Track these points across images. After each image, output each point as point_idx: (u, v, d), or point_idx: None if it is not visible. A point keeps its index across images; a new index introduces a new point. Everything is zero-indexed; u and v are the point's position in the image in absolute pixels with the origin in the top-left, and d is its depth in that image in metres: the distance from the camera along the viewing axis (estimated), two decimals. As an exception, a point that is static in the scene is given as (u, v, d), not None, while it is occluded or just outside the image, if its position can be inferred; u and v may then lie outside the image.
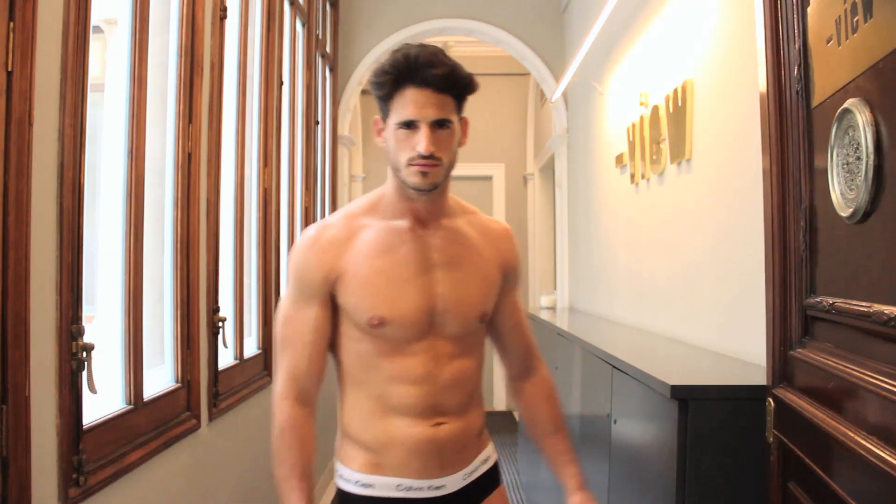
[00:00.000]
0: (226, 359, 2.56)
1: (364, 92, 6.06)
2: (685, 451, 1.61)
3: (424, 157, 1.31)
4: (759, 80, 1.43)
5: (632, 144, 3.28)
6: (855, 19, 1.04)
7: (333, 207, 4.86)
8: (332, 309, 1.41)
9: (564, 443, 1.57)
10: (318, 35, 4.25)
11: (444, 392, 1.41)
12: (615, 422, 2.17)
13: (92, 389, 1.52)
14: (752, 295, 1.96)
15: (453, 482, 1.45)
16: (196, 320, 2.19)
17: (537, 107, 6.58)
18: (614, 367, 2.17)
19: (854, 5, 1.03)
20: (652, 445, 1.82)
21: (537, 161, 6.52)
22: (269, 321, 3.09)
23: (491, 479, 1.52)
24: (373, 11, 4.93)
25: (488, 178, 6.88)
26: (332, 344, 1.44)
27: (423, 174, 1.33)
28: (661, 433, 1.73)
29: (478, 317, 1.45)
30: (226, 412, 2.42)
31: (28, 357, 1.29)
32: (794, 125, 1.30)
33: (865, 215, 1.02)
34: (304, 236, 1.43)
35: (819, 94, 1.19)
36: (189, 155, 2.16)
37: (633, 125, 3.24)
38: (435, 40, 6.16)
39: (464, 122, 1.40)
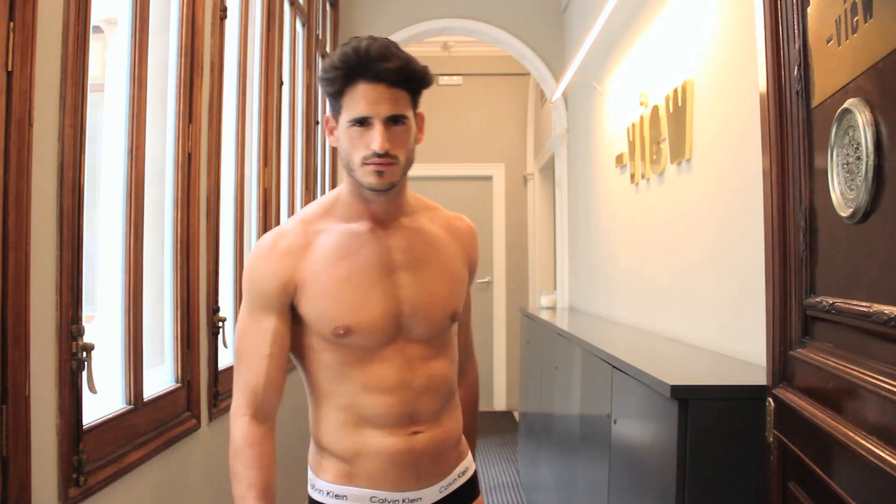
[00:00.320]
0: (226, 359, 2.56)
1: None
2: (685, 451, 1.61)
3: (380, 156, 1.25)
4: (759, 80, 1.43)
5: (632, 144, 3.28)
6: (855, 19, 1.04)
7: (333, 207, 4.86)
8: (292, 319, 1.34)
9: (471, 448, 1.58)
10: (318, 35, 4.25)
11: (419, 398, 1.35)
12: (615, 422, 2.17)
13: (92, 389, 1.52)
14: (752, 295, 1.96)
15: (429, 495, 1.39)
16: (196, 320, 2.19)
17: (537, 107, 6.58)
18: (614, 367, 2.17)
19: (854, 5, 1.03)
20: (652, 445, 1.82)
21: (537, 161, 6.52)
22: (269, 321, 3.09)
23: (469, 492, 1.46)
24: (373, 11, 4.93)
25: (488, 178, 6.88)
26: (297, 355, 1.38)
27: (379, 173, 1.26)
28: (661, 433, 1.73)
29: (448, 316, 1.40)
30: (226, 412, 2.42)
31: (28, 357, 1.29)
32: (794, 125, 1.30)
33: (865, 215, 1.02)
34: (258, 245, 1.36)
35: (819, 94, 1.19)
36: (189, 155, 2.16)
37: (633, 125, 3.24)
38: (435, 40, 6.16)
39: (419, 118, 1.34)
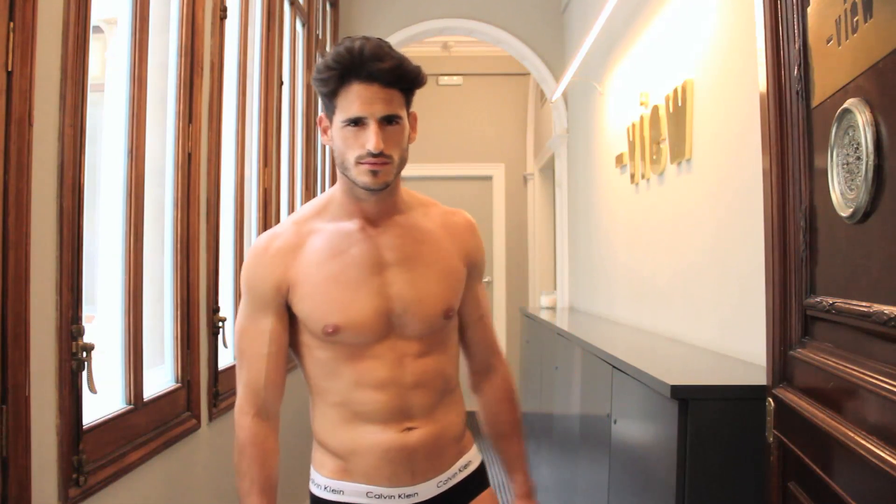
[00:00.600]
0: (226, 359, 2.56)
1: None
2: (685, 451, 1.61)
3: (374, 156, 1.25)
4: (759, 80, 1.43)
5: (632, 144, 3.28)
6: (855, 19, 1.04)
7: (333, 207, 4.86)
8: (289, 318, 1.37)
9: (518, 446, 1.54)
10: (318, 35, 4.25)
11: (411, 394, 1.36)
12: (615, 422, 2.17)
13: (92, 389, 1.52)
14: (752, 295, 1.96)
15: (426, 490, 1.39)
16: (196, 320, 2.19)
17: (537, 107, 6.58)
18: (614, 367, 2.17)
19: (854, 5, 1.03)
20: (652, 445, 1.82)
21: (537, 161, 6.52)
22: (269, 321, 3.09)
23: (473, 484, 1.46)
24: (373, 11, 4.93)
25: (488, 178, 6.88)
26: (296, 353, 1.41)
27: (374, 173, 1.27)
28: (661, 433, 1.73)
29: (441, 313, 1.38)
30: (226, 412, 2.42)
31: (28, 357, 1.29)
32: (794, 125, 1.30)
33: (865, 215, 1.02)
34: (253, 247, 1.39)
35: (819, 94, 1.19)
36: (189, 155, 2.16)
37: (633, 125, 3.24)
38: (435, 40, 6.16)
39: (412, 118, 1.35)
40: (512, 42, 4.95)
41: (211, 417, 2.28)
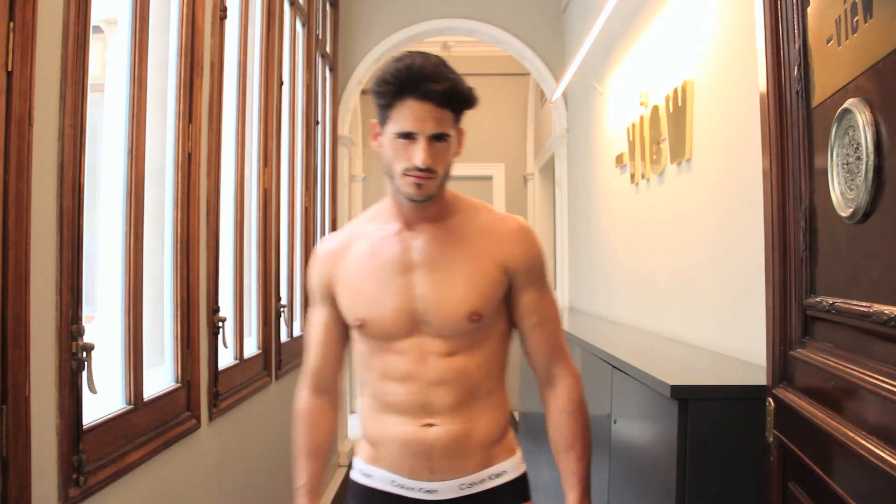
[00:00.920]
0: (226, 359, 2.56)
1: (364, 92, 6.06)
2: (685, 451, 1.61)
3: (420, 170, 1.33)
4: (759, 80, 1.43)
5: (632, 144, 3.28)
6: (855, 19, 1.04)
7: (333, 207, 4.86)
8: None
9: (574, 464, 1.43)
10: (318, 35, 4.25)
11: (432, 390, 1.40)
12: (615, 422, 2.17)
13: (92, 389, 1.52)
14: (752, 295, 1.96)
15: (447, 489, 1.42)
16: (196, 320, 2.18)
17: (537, 107, 6.58)
18: (614, 367, 2.17)
19: (854, 5, 1.03)
20: (652, 445, 1.82)
21: (537, 161, 6.52)
22: (268, 321, 3.09)
23: (504, 496, 1.45)
24: (373, 11, 4.93)
25: (488, 178, 6.88)
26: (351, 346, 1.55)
27: (418, 185, 1.34)
28: (661, 433, 1.73)
29: (464, 316, 1.40)
30: (226, 412, 2.42)
31: (28, 357, 1.29)
32: (794, 125, 1.30)
33: (865, 215, 1.02)
34: (314, 249, 1.57)
35: (819, 94, 1.19)
36: (189, 155, 2.16)
37: (633, 125, 3.24)
38: (435, 40, 6.16)
39: (460, 133, 1.41)
40: (512, 42, 4.95)
41: (211, 417, 2.28)
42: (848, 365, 1.09)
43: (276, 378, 3.17)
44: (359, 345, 1.46)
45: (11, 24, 1.25)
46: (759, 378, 1.56)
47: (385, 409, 1.43)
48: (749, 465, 1.58)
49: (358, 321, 1.42)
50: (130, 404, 1.80)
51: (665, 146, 2.80)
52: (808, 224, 1.25)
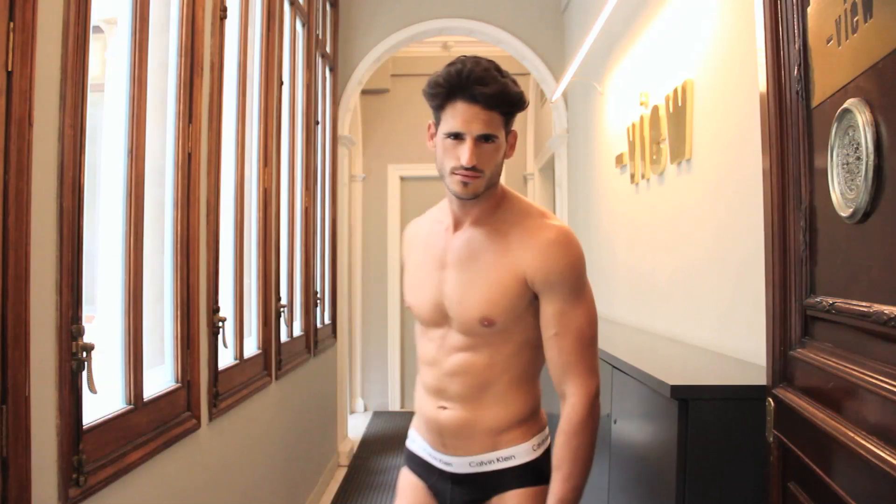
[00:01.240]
0: (226, 359, 2.56)
1: (364, 92, 6.06)
2: (685, 451, 1.61)
3: (467, 169, 1.41)
4: (759, 80, 1.43)
5: (632, 144, 3.28)
6: (855, 19, 1.04)
7: (333, 207, 4.86)
8: None
9: (557, 483, 1.44)
10: (318, 35, 4.25)
11: (446, 378, 1.53)
12: (615, 422, 2.17)
13: (92, 389, 1.52)
14: (752, 295, 1.96)
15: (459, 464, 1.56)
16: (196, 320, 2.18)
17: (537, 107, 6.58)
18: (614, 367, 2.17)
19: (854, 5, 1.03)
20: (652, 445, 1.82)
21: (537, 161, 6.52)
22: (268, 321, 3.09)
23: (509, 478, 1.52)
24: (373, 11, 4.93)
25: (488, 178, 6.87)
26: None
27: (465, 184, 1.43)
28: (661, 433, 1.73)
29: (476, 320, 1.47)
30: (226, 412, 2.42)
31: (28, 357, 1.29)
32: (794, 125, 1.30)
33: (865, 215, 1.02)
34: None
35: (819, 94, 1.19)
36: (189, 155, 2.16)
37: (633, 125, 3.24)
38: (435, 40, 6.16)
39: (512, 136, 1.48)
40: (512, 42, 4.95)
41: (211, 417, 2.28)
42: (848, 365, 1.09)
43: (276, 378, 3.17)
44: (416, 325, 1.63)
45: (11, 24, 1.25)
46: (759, 378, 1.56)
47: (422, 386, 1.60)
48: (749, 465, 1.58)
49: (407, 304, 1.62)
50: (130, 404, 1.80)
51: (665, 146, 2.80)
52: (808, 224, 1.25)
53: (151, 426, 1.87)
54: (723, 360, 2.09)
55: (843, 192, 1.08)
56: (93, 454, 1.55)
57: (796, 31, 1.27)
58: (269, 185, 3.12)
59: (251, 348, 2.94)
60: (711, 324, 2.36)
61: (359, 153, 6.54)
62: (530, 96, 6.75)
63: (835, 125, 1.10)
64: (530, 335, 1.50)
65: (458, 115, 1.40)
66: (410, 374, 6.75)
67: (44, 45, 1.35)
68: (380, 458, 5.11)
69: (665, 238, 2.85)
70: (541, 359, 1.53)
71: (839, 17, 1.09)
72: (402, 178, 6.65)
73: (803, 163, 1.27)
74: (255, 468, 2.80)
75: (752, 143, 1.88)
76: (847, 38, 1.07)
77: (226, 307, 2.52)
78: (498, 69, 1.41)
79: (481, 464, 1.54)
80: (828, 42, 1.14)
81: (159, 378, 2.06)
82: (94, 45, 1.58)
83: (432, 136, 1.48)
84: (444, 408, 1.54)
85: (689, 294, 2.56)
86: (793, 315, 1.31)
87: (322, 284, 4.48)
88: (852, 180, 1.05)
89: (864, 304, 1.03)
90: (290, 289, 3.58)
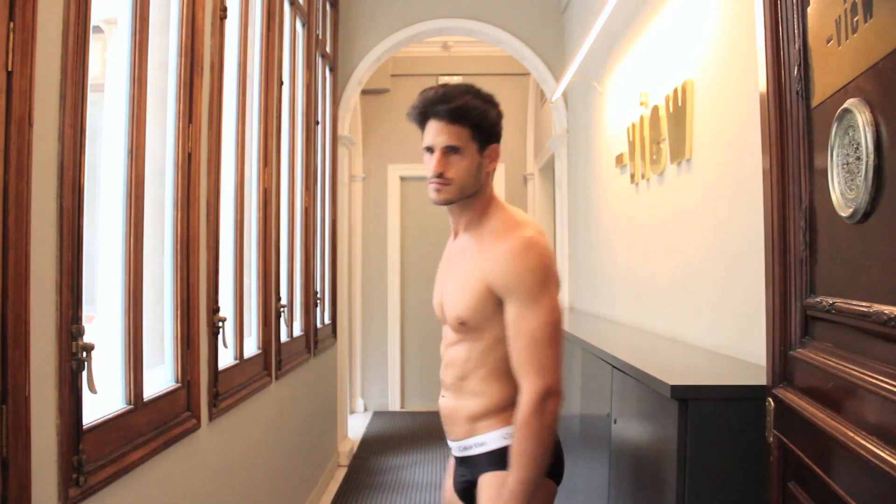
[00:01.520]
0: (226, 359, 2.56)
1: (364, 92, 6.06)
2: (685, 451, 1.61)
3: (436, 177, 1.60)
4: (759, 80, 1.43)
5: (632, 144, 3.28)
6: (855, 19, 1.04)
7: (333, 207, 4.86)
8: None
9: (509, 476, 1.55)
10: (318, 35, 4.25)
11: (443, 370, 1.75)
12: (615, 422, 2.17)
13: (92, 389, 1.52)
14: (751, 295, 1.96)
15: (454, 447, 1.74)
16: (196, 320, 2.18)
17: (537, 107, 6.58)
18: (614, 367, 2.17)
19: (854, 5, 1.03)
20: (652, 445, 1.82)
21: (537, 161, 6.52)
22: (268, 321, 3.09)
23: (482, 464, 1.66)
24: (373, 11, 4.93)
25: (488, 178, 6.87)
26: None
27: (437, 191, 1.62)
28: (661, 433, 1.73)
29: (455, 319, 1.65)
30: (226, 412, 2.42)
31: (28, 357, 1.29)
32: (794, 125, 1.30)
33: (865, 215, 1.02)
34: None
35: (819, 94, 1.19)
36: (189, 155, 2.16)
37: (633, 125, 3.24)
38: (435, 40, 6.16)
39: (492, 149, 1.64)
40: (512, 42, 4.95)
41: (211, 417, 2.28)
42: (848, 365, 1.09)
43: (276, 378, 3.17)
44: None
45: (11, 24, 1.25)
46: (759, 378, 1.56)
47: None
48: (749, 465, 1.58)
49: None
50: (130, 404, 1.80)
51: (665, 146, 2.80)
52: (808, 224, 1.25)
53: (151, 426, 1.87)
54: (723, 360, 2.09)
55: (843, 192, 1.08)
56: (93, 454, 1.55)
57: (796, 31, 1.27)
58: (269, 185, 3.12)
59: (251, 348, 2.94)
60: (711, 323, 2.36)
61: (359, 153, 6.54)
62: (530, 96, 6.75)
63: (835, 125, 1.10)
64: (502, 334, 1.61)
65: (430, 131, 1.60)
66: (410, 374, 6.75)
67: (44, 45, 1.35)
68: (380, 458, 5.11)
69: (665, 238, 2.85)
70: None
71: (839, 17, 1.09)
72: (402, 178, 6.65)
73: (803, 163, 1.27)
74: (255, 468, 2.80)
75: (752, 143, 1.88)
76: (847, 38, 1.07)
77: (226, 307, 2.52)
78: (470, 91, 1.61)
79: (465, 448, 1.69)
80: (828, 42, 1.14)
81: (159, 378, 2.06)
82: (94, 45, 1.58)
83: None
84: (443, 396, 1.75)
85: (689, 294, 2.56)
86: (793, 315, 1.31)
87: (322, 284, 4.48)
88: (852, 180, 1.05)
89: (864, 304, 1.03)
90: (290, 289, 3.58)
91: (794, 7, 1.28)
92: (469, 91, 1.60)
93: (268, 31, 3.14)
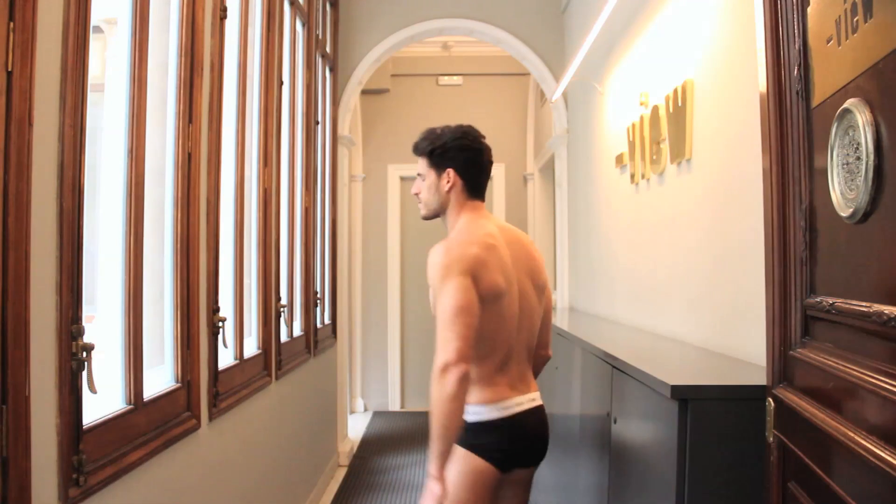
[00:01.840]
0: (226, 359, 2.56)
1: (364, 92, 6.06)
2: (685, 451, 1.61)
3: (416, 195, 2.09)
4: (759, 80, 1.43)
5: (632, 144, 3.28)
6: (855, 19, 1.04)
7: (333, 207, 4.86)
8: None
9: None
10: (318, 35, 4.25)
11: None
12: (615, 422, 2.17)
13: (92, 389, 1.52)
14: (751, 295, 1.96)
15: None
16: (196, 320, 2.18)
17: (537, 107, 6.58)
18: (614, 367, 2.17)
19: (854, 5, 1.03)
20: (652, 445, 1.82)
21: (537, 161, 6.52)
22: (268, 321, 3.09)
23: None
24: (373, 11, 4.93)
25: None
26: None
27: (419, 207, 2.10)
28: (661, 433, 1.73)
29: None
30: (226, 412, 2.42)
31: (28, 357, 1.29)
32: (794, 125, 1.30)
33: (865, 215, 1.02)
34: None
35: (819, 94, 1.19)
36: (189, 155, 2.16)
37: (633, 125, 3.24)
38: (435, 40, 6.17)
39: (445, 172, 2.02)
40: (512, 42, 4.95)
41: (211, 417, 2.28)
42: (848, 365, 1.09)
43: (276, 378, 3.17)
44: None
45: (11, 24, 1.25)
46: (759, 378, 1.56)
47: None
48: (749, 465, 1.58)
49: None
50: (130, 404, 1.80)
51: (665, 146, 2.80)
52: (808, 224, 1.25)
53: (151, 426, 1.87)
54: (722, 360, 2.09)
55: (843, 192, 1.08)
56: (93, 454, 1.55)
57: (796, 31, 1.27)
58: (269, 185, 3.12)
59: (251, 348, 2.94)
60: (711, 324, 2.36)
61: (359, 153, 6.54)
62: (530, 96, 6.76)
63: (835, 125, 1.10)
64: None
65: None
66: (410, 374, 6.75)
67: (44, 45, 1.35)
68: (380, 458, 5.11)
69: (665, 238, 2.85)
70: (479, 341, 1.84)
71: (839, 17, 1.09)
72: (402, 178, 6.65)
73: (803, 163, 1.27)
74: (255, 468, 2.80)
75: (752, 143, 1.88)
76: (847, 38, 1.07)
77: (226, 307, 2.52)
78: (435, 132, 2.03)
79: None
80: (828, 42, 1.14)
81: (159, 378, 2.06)
82: (94, 45, 1.58)
83: None
84: None
85: (689, 294, 2.56)
86: (793, 315, 1.31)
87: (322, 284, 4.48)
88: (852, 180, 1.05)
89: (864, 304, 1.03)
90: (290, 289, 3.58)
91: (794, 7, 1.28)
92: (434, 132, 2.03)
93: (268, 31, 3.14)
